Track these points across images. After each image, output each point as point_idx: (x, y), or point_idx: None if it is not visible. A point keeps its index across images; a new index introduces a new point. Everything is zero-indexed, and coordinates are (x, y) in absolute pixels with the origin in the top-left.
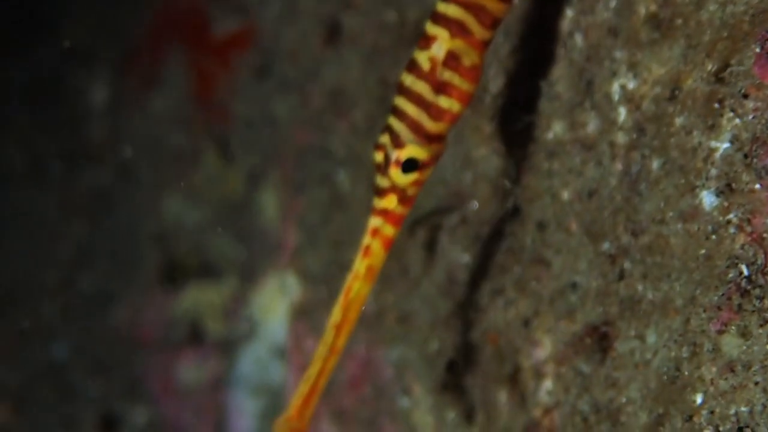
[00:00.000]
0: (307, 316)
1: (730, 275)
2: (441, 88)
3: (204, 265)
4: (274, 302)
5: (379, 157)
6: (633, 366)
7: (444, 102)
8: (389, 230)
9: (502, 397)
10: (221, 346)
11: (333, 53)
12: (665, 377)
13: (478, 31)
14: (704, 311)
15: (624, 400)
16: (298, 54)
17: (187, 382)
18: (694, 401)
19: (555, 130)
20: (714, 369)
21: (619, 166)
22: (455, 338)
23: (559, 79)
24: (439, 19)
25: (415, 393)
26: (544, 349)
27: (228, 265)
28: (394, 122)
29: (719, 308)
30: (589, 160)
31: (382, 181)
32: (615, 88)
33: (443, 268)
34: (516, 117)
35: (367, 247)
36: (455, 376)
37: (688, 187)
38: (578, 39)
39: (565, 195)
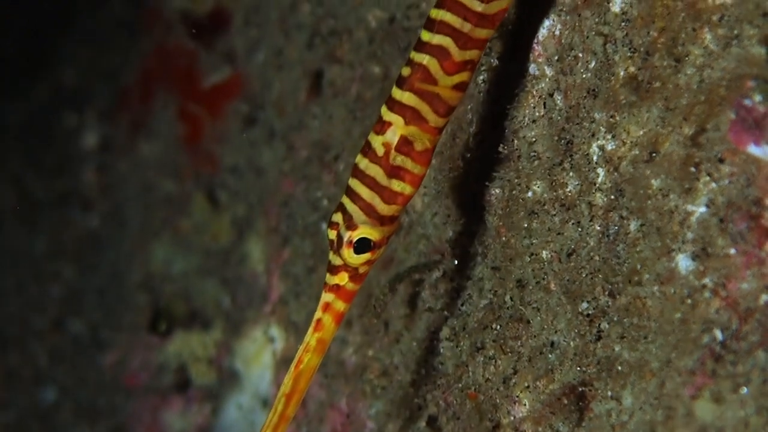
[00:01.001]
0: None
1: (705, 340)
2: (394, 172)
3: (191, 312)
4: (259, 351)
5: (332, 234)
6: (609, 427)
7: (396, 186)
8: (340, 305)
9: None
10: (207, 393)
11: (318, 104)
12: None
13: (433, 119)
14: (679, 375)
15: None
16: (284, 104)
17: (173, 428)
18: None
19: (534, 189)
20: None
21: (597, 226)
22: (435, 394)
23: (539, 138)
24: (395, 105)
25: None
26: (522, 407)
27: (215, 312)
28: (348, 203)
29: (693, 373)
30: (568, 220)
31: (334, 259)
32: (594, 148)
33: (424, 324)
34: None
35: (319, 321)
36: (435, 431)
37: (665, 249)
38: (558, 99)
39: (545, 254)
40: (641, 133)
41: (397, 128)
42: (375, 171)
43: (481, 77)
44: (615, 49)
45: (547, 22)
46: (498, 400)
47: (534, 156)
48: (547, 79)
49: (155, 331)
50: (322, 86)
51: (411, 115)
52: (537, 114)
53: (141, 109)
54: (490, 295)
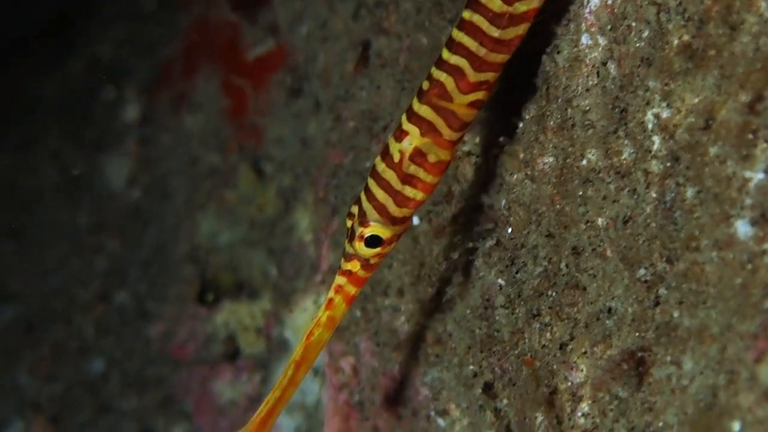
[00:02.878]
0: (342, 336)
1: (767, 305)
2: (407, 179)
3: (238, 282)
4: (309, 321)
5: (348, 224)
6: (670, 392)
7: (409, 192)
8: (351, 289)
9: (539, 418)
10: (256, 363)
11: (365, 75)
12: (702, 404)
13: (447, 133)
14: (741, 339)
15: (661, 425)
16: (329, 75)
17: (223, 398)
18: (732, 428)
19: (589, 157)
20: (751, 397)
21: (653, 194)
22: (491, 360)
23: (593, 106)
24: (413, 116)
25: (451, 413)
26: (580, 373)
27: (262, 283)
28: (364, 200)
29: (756, 337)
30: (623, 188)
31: (348, 247)
32: (649, 116)
33: (478, 291)
34: (548, 144)
35: (331, 300)
36: (491, 398)
37: (723, 216)
38: (611, 68)
39: (600, 221)
40: (696, 100)
41: (413, 138)
42: (390, 176)
43: (533, 48)
44: (668, 17)
45: None
46: (555, 366)
47: (588, 124)
48: (600, 49)
49: (203, 302)
50: (369, 57)
51: (427, 127)
52: (590, 83)
53: (184, 83)
54: (545, 262)
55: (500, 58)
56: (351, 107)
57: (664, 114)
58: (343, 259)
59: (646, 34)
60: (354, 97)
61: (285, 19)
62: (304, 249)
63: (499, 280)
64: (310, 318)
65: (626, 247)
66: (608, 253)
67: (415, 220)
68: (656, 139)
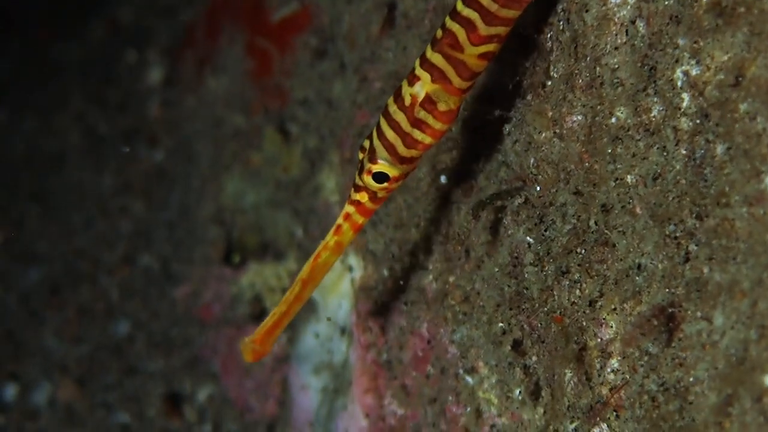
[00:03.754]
0: (370, 296)
1: None
2: (416, 123)
3: (264, 243)
4: (337, 281)
5: (360, 156)
6: (700, 347)
7: (418, 135)
8: (359, 218)
9: (568, 375)
10: None
11: (391, 36)
12: (733, 358)
13: (457, 82)
14: None
15: (692, 380)
16: (355, 36)
17: None
18: (763, 382)
19: (618, 115)
20: None
21: (683, 150)
22: (520, 318)
23: (621, 65)
24: (425, 63)
25: (479, 371)
26: (609, 329)
27: (288, 243)
28: (375, 137)
29: None
30: (653, 145)
31: (357, 179)
32: (678, 74)
33: (507, 249)
34: (576, 102)
35: (339, 227)
36: (520, 355)
37: (754, 172)
38: (640, 26)
39: (630, 179)
40: (726, 57)
41: (424, 84)
42: (401, 118)
43: (561, 6)
44: None
45: None
46: (584, 323)
47: (617, 82)
48: (629, 7)
49: (228, 264)
50: (395, 18)
51: (438, 74)
52: (619, 41)
53: (207, 45)
54: (574, 220)
55: (511, 13)
56: (377, 68)
57: (694, 71)
58: (352, 189)
59: None
60: (380, 59)
61: None
62: (330, 210)
63: (528, 238)
64: (336, 275)
65: (656, 204)
66: (638, 210)
67: (443, 179)
68: (686, 96)
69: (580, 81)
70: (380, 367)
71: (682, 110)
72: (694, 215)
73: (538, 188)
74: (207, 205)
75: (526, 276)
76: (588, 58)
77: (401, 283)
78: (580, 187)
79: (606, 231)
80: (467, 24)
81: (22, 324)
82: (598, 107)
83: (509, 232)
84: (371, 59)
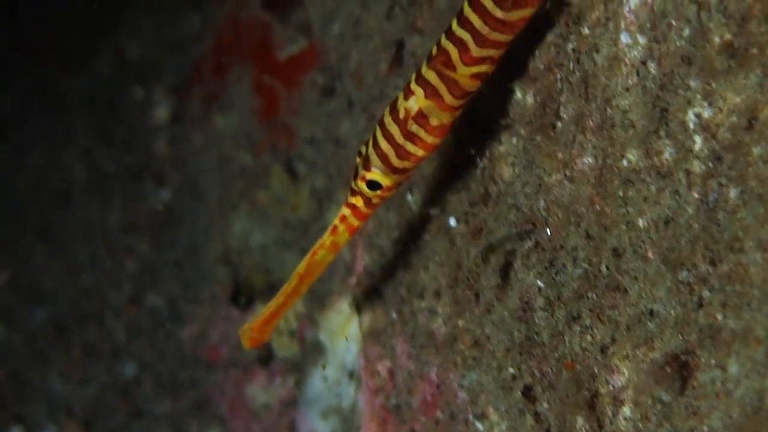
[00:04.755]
0: (378, 339)
1: None
2: (409, 137)
3: (271, 284)
4: (345, 323)
5: (357, 160)
6: (714, 395)
7: (410, 147)
8: (354, 221)
9: (579, 422)
10: (290, 366)
11: (400, 75)
12: (748, 408)
13: (449, 99)
14: None
15: (706, 429)
16: (363, 75)
17: (256, 402)
18: None
19: (629, 157)
20: None
21: (695, 194)
22: (530, 363)
23: (633, 106)
24: (420, 78)
25: (489, 417)
26: (622, 376)
27: None
28: (370, 146)
29: None
30: (665, 188)
31: (353, 184)
32: (690, 116)
33: (517, 294)
34: (587, 145)
35: (335, 227)
36: (531, 401)
37: (767, 216)
38: (652, 67)
39: (641, 223)
40: (739, 100)
41: (417, 99)
42: (394, 129)
43: (571, 46)
44: (709, 15)
45: None
46: (596, 370)
47: (628, 124)
48: (640, 47)
49: (236, 304)
50: (403, 57)
51: (431, 91)
52: (630, 82)
53: (214, 82)
54: (585, 264)
55: (503, 37)
56: (385, 107)
57: (706, 113)
58: (349, 192)
59: (686, 32)
60: (388, 97)
61: (317, 18)
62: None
63: (538, 282)
64: (344, 318)
65: (668, 249)
66: (650, 254)
67: (452, 222)
68: (698, 138)
69: (591, 122)
70: (389, 411)
71: (695, 153)
72: (707, 260)
73: (549, 231)
74: (214, 244)
75: (536, 321)
76: (598, 100)
77: (410, 326)
78: (591, 231)
79: (617, 276)
80: (460, 44)
81: (27, 364)
82: (609, 149)
83: (519, 276)
84: (379, 98)
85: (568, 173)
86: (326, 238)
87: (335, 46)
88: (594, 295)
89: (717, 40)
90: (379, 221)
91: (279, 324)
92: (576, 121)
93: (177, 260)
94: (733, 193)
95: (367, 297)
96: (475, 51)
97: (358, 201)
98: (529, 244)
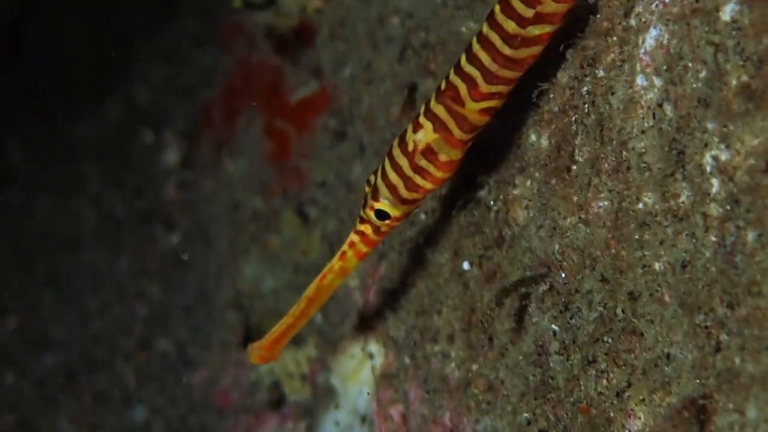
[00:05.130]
0: (391, 383)
1: None
2: (417, 170)
3: None
4: (357, 368)
5: (366, 189)
6: None
7: (419, 180)
8: (362, 247)
9: None
10: (302, 410)
11: (411, 117)
12: None
13: (458, 134)
14: None
15: None
16: (374, 118)
17: None
18: None
19: (645, 200)
20: None
21: (713, 237)
22: (545, 408)
23: (649, 149)
24: (429, 112)
25: None
26: (638, 421)
27: (307, 329)
28: (378, 176)
29: None
30: (681, 231)
31: (362, 212)
32: (707, 159)
33: (531, 338)
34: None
35: (344, 253)
36: None
37: None
38: (668, 109)
39: (658, 266)
40: (756, 142)
41: (426, 133)
42: (403, 162)
43: (586, 88)
44: (726, 57)
45: (654, 32)
46: (611, 414)
47: (644, 167)
48: (656, 90)
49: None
50: (415, 100)
51: (439, 125)
52: (646, 125)
53: (225, 126)
54: (601, 307)
55: (512, 74)
56: None
57: (723, 156)
58: (357, 220)
59: (703, 74)
60: None
61: (328, 61)
62: (350, 294)
63: (553, 326)
64: (357, 362)
65: (685, 292)
66: (666, 298)
67: (466, 266)
68: (715, 181)
69: (606, 165)
70: None
71: (712, 196)
72: (725, 304)
73: (564, 275)
74: (225, 289)
75: (551, 365)
76: (614, 142)
77: (423, 370)
78: (607, 274)
79: (634, 319)
80: (469, 80)
81: (37, 411)
82: (625, 192)
83: (534, 319)
84: (391, 141)
85: (583, 216)
86: (335, 263)
87: (347, 90)
88: (610, 339)
89: (734, 82)
90: (392, 265)
91: (286, 352)
92: (591, 164)
93: (187, 305)
94: (750, 236)
95: (380, 340)
96: (484, 87)
97: (366, 228)
98: (543, 287)
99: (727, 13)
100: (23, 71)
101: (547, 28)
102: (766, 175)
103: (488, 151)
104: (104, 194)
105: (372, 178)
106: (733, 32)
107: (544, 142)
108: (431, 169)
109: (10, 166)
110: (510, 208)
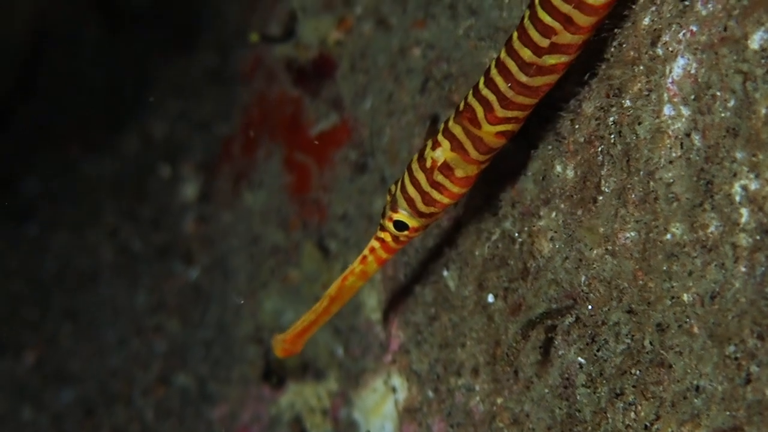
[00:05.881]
0: (414, 418)
1: None
2: (434, 185)
3: (304, 363)
4: (380, 402)
5: (387, 198)
6: None
7: (436, 195)
8: (383, 254)
9: None
10: None
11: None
12: None
13: (474, 154)
14: None
15: None
16: (396, 150)
17: None
18: None
19: (674, 231)
20: None
21: (742, 268)
22: None
23: (677, 179)
24: (446, 131)
25: None
26: None
27: (328, 363)
28: (398, 188)
29: None
30: (710, 262)
31: (382, 221)
32: (736, 188)
33: (558, 370)
34: (630, 218)
35: (365, 257)
36: None
37: None
38: (696, 139)
39: (686, 297)
40: None
41: (444, 151)
42: (421, 177)
43: (612, 119)
44: (755, 86)
45: (682, 61)
46: None
47: (672, 197)
48: (684, 119)
49: (267, 384)
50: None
51: (456, 144)
52: (674, 155)
53: (244, 160)
54: (628, 339)
55: (527, 101)
56: None
57: (753, 186)
58: (378, 227)
59: (731, 103)
60: None
61: (348, 93)
62: (372, 328)
63: (580, 359)
64: (379, 396)
65: (714, 324)
66: (695, 329)
67: (491, 298)
68: (744, 211)
69: (633, 196)
70: None
71: (741, 226)
72: (755, 335)
73: (590, 307)
74: (244, 323)
75: (578, 398)
76: (641, 173)
77: (447, 404)
78: (634, 306)
79: (662, 351)
80: (485, 104)
81: None
82: (653, 223)
83: (560, 352)
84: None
85: (609, 248)
86: (356, 266)
87: (368, 122)
88: (637, 371)
89: (763, 111)
90: (414, 298)
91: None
92: (618, 195)
93: (206, 339)
94: None
95: (403, 374)
96: (500, 112)
97: (386, 236)
98: (569, 319)
99: (756, 42)
100: (39, 106)
101: (563, 58)
102: None
103: (513, 182)
104: (121, 228)
105: (392, 188)
106: (762, 60)
107: (570, 173)
108: (448, 184)
109: (28, 201)
110: (535, 240)
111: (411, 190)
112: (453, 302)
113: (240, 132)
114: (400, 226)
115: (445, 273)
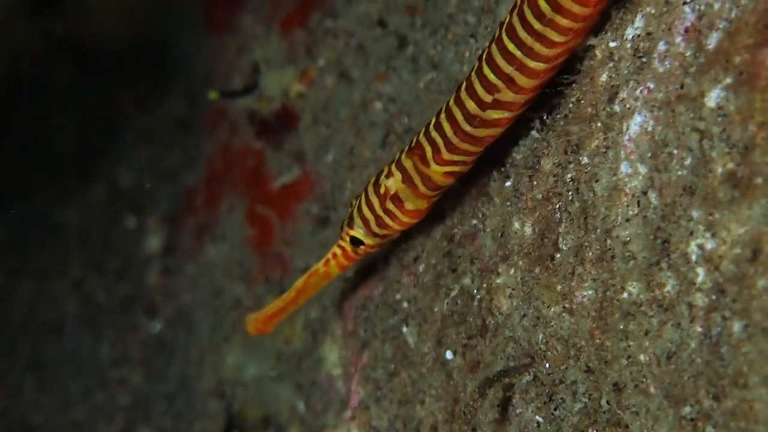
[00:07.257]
0: None
1: None
2: (387, 212)
3: (265, 417)
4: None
5: (348, 210)
6: None
7: (387, 221)
8: (343, 260)
9: None
10: None
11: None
12: None
13: (423, 189)
14: None
15: None
16: None
17: None
18: None
19: (630, 290)
20: None
21: (698, 328)
22: None
23: (633, 237)
24: (399, 164)
25: None
26: None
27: (289, 417)
28: (355, 207)
29: None
30: (667, 322)
31: (341, 233)
32: (693, 248)
33: (515, 429)
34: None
35: (327, 260)
36: None
37: None
38: (653, 197)
39: (643, 357)
40: (743, 231)
41: (395, 182)
42: (375, 201)
43: (570, 175)
44: (712, 144)
45: (639, 119)
46: None
47: (629, 256)
48: (641, 177)
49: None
50: None
51: (407, 177)
52: (631, 213)
53: (207, 212)
54: (585, 398)
55: (472, 148)
56: None
57: (709, 245)
58: (340, 236)
59: (688, 161)
60: None
61: (311, 146)
62: (333, 383)
63: (537, 417)
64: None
65: (671, 384)
66: (651, 389)
67: (449, 355)
68: (701, 271)
69: (591, 254)
70: None
71: (697, 285)
72: (711, 396)
73: (548, 365)
74: (207, 377)
75: None
76: (598, 230)
77: None
78: (591, 365)
79: (618, 411)
80: (433, 145)
81: None
82: (610, 282)
83: (518, 410)
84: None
85: (567, 306)
86: (320, 267)
87: (329, 175)
88: (594, 431)
89: (720, 169)
90: (374, 354)
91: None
92: (575, 253)
93: (169, 393)
94: (736, 326)
95: (363, 430)
96: (446, 155)
97: (347, 245)
98: (527, 377)
99: (712, 100)
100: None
101: (506, 114)
102: (752, 264)
103: (472, 238)
104: (86, 279)
105: (354, 202)
106: (719, 119)
107: (528, 230)
108: (398, 213)
109: None
110: (493, 296)
111: (366, 212)
112: (412, 359)
113: (204, 184)
114: (355, 242)
115: (405, 329)
